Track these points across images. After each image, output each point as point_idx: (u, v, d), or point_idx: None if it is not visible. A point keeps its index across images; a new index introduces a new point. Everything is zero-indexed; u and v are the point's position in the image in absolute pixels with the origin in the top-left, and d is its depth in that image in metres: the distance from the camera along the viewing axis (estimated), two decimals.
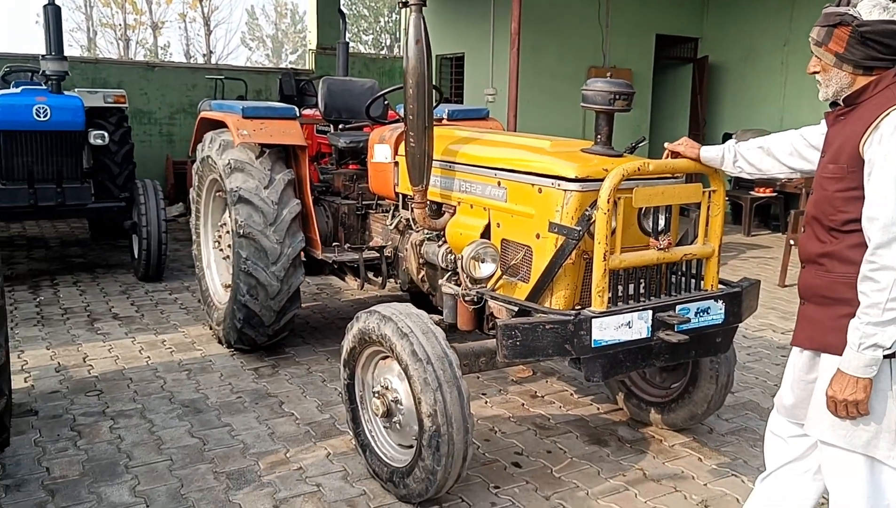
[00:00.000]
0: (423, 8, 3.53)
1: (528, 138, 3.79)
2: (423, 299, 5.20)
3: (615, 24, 12.23)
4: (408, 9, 3.54)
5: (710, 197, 3.18)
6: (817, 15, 2.26)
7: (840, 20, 2.16)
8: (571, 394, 4.62)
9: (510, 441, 3.95)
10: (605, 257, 2.88)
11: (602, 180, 3.04)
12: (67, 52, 6.95)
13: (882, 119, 2.10)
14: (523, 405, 4.44)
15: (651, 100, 12.90)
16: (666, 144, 3.10)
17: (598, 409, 4.40)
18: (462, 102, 12.21)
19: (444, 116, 5.25)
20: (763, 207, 11.27)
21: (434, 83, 4.08)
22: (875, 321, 2.09)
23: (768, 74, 12.30)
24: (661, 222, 3.16)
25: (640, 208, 3.21)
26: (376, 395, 3.34)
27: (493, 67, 11.58)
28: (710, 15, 13.29)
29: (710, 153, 2.94)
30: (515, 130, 7.77)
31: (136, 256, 6.98)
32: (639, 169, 2.94)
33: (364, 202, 5.08)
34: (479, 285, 3.51)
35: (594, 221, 2.92)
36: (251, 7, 37.59)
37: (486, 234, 3.61)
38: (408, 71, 3.57)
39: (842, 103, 2.26)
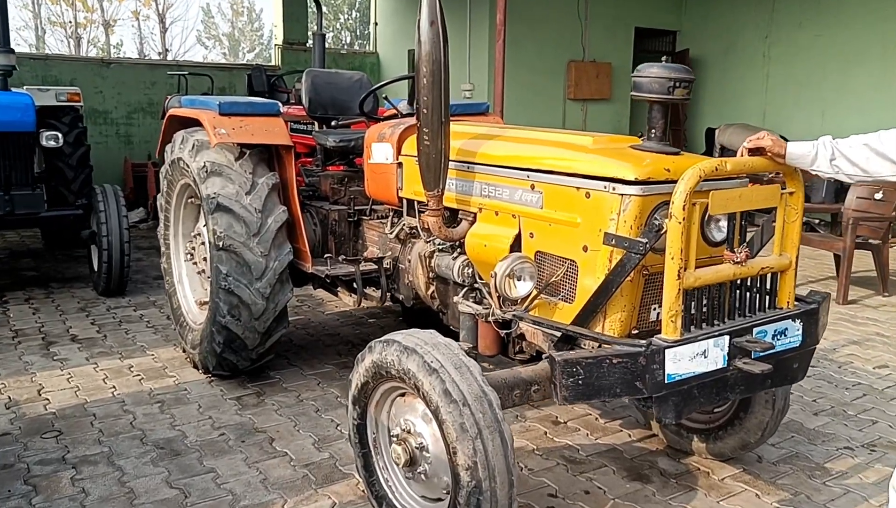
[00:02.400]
0: None
1: (564, 134, 3.29)
2: (421, 315, 4.70)
3: (594, 17, 11.86)
4: None
5: (786, 201, 2.72)
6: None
7: None
8: (596, 419, 4.14)
9: (540, 480, 3.46)
10: (679, 275, 2.40)
11: (663, 183, 2.59)
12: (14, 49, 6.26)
13: None
14: (546, 433, 3.95)
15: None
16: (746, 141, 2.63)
17: (630, 436, 3.93)
18: None
19: None
20: None
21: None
22: None
23: (750, 68, 12.02)
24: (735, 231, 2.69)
25: (705, 216, 2.74)
26: (396, 440, 2.82)
27: (470, 62, 11.09)
28: (689, 8, 13.00)
29: (799, 150, 2.49)
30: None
31: (96, 268, 6.34)
32: (717, 169, 2.46)
33: (356, 208, 4.54)
34: (511, 306, 3.01)
35: (665, 231, 2.43)
36: (206, 5, 36.64)
37: (515, 245, 3.11)
38: (421, 58, 3.03)
39: None
